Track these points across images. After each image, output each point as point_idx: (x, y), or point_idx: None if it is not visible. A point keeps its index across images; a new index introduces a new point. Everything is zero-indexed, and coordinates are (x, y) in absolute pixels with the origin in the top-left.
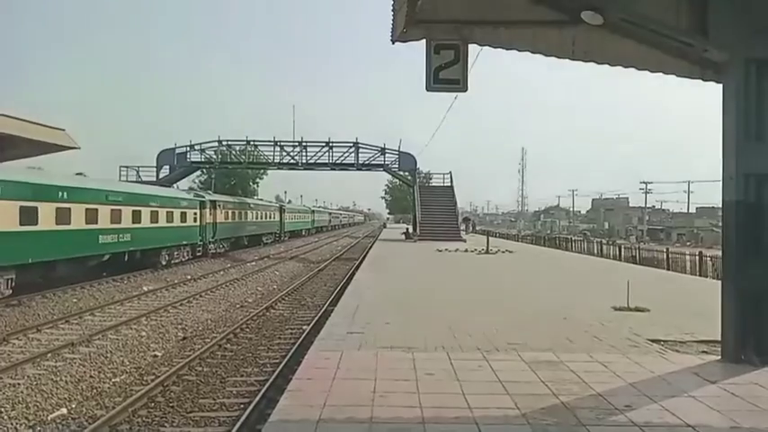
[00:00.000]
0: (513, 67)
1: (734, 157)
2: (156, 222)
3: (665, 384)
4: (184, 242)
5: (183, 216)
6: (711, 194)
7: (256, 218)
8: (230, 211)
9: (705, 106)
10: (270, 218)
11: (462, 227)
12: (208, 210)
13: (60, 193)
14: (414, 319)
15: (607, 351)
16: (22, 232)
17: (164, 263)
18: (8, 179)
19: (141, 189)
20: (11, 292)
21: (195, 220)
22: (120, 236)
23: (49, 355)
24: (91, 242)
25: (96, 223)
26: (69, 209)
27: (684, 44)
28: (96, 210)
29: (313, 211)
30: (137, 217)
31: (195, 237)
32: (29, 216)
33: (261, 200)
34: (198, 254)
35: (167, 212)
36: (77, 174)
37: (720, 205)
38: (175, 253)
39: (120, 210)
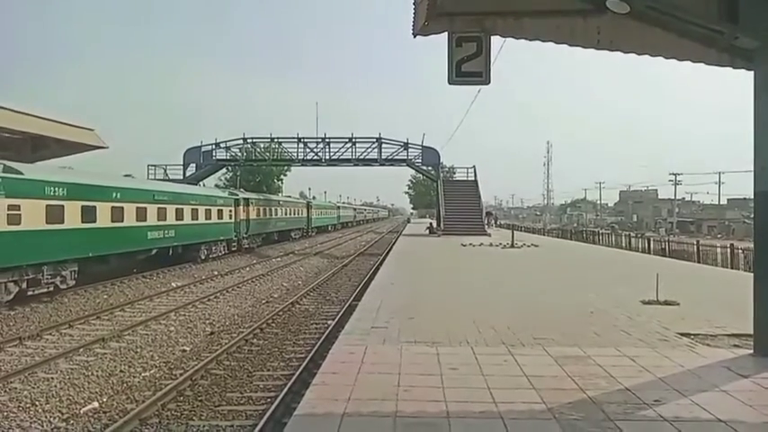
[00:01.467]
0: (538, 58)
1: (766, 147)
2: (197, 219)
3: (695, 378)
4: (221, 238)
5: (220, 213)
6: (743, 185)
7: (285, 214)
8: (262, 208)
9: (735, 94)
10: (298, 214)
11: (485, 221)
12: (241, 207)
13: (115, 194)
14: (438, 314)
15: (635, 345)
16: (84, 229)
17: (203, 257)
18: (73, 182)
19: (184, 188)
20: (74, 283)
21: (230, 216)
22: (166, 232)
23: (81, 350)
24: (141, 238)
25: (145, 220)
26: (122, 207)
27: (713, 31)
28: (145, 208)
29: (338, 207)
30: (180, 214)
31: (231, 233)
32: (89, 214)
33: (289, 197)
34: (233, 249)
35: (206, 210)
36: (126, 175)
37: (752, 196)
38: (213, 248)
39: (165, 208)
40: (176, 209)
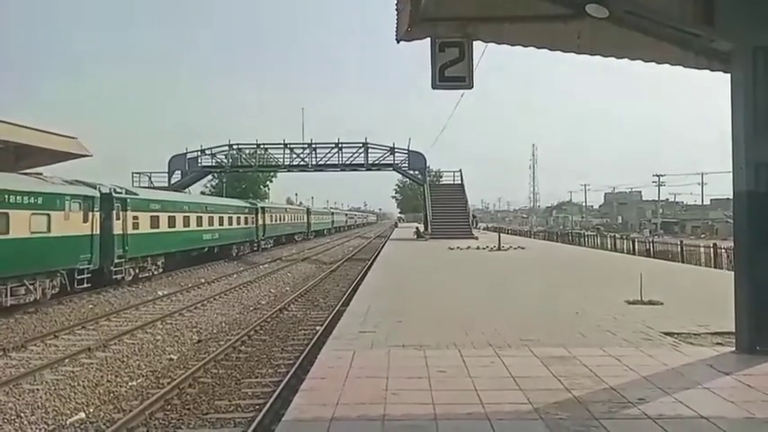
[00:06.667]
0: (521, 62)
1: (743, 147)
2: (232, 225)
3: (678, 377)
4: (246, 239)
5: (246, 220)
6: (726, 186)
7: (291, 219)
8: (274, 215)
9: (717, 96)
10: (300, 219)
11: (472, 224)
12: (259, 214)
13: (185, 206)
14: (425, 318)
15: (620, 345)
16: (169, 232)
17: (234, 255)
18: (163, 198)
19: (225, 201)
20: (161, 270)
21: (252, 222)
22: (213, 235)
23: (67, 360)
24: (199, 239)
25: (202, 226)
26: (189, 216)
27: (691, 35)
28: (201, 217)
29: (332, 213)
30: (221, 221)
31: (253, 235)
32: (172, 222)
33: (292, 204)
34: (254, 249)
35: (237, 218)
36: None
37: None
38: (241, 247)
39: (213, 216)
40: (219, 217)
